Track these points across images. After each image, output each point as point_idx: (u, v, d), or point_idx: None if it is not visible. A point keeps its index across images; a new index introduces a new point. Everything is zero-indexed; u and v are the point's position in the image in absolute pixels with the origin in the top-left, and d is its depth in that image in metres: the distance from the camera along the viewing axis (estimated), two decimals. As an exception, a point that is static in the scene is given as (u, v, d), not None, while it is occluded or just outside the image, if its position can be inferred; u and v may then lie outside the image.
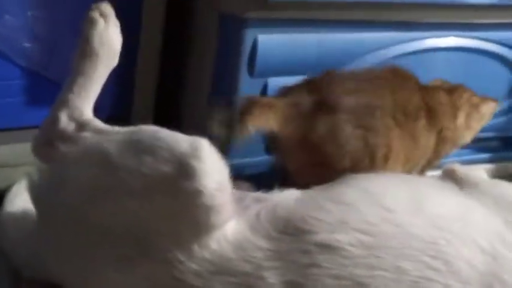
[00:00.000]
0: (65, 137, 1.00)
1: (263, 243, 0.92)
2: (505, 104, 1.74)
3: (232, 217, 0.94)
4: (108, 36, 1.05)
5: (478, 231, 0.97)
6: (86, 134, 0.99)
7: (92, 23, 1.04)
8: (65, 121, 1.02)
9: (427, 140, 1.23)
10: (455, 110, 1.30)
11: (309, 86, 1.15)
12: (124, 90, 1.41)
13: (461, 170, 1.17)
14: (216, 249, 0.92)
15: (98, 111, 1.06)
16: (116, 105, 1.41)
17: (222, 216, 0.92)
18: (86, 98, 1.03)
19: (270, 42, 1.30)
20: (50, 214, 0.96)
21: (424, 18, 1.50)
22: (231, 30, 1.30)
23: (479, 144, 1.71)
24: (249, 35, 1.28)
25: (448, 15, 1.53)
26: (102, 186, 0.91)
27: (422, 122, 1.21)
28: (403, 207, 0.98)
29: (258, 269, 0.91)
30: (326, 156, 1.10)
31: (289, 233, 0.93)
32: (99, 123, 1.02)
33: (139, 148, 0.91)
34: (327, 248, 0.91)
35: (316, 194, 1.00)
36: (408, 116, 1.18)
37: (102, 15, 1.05)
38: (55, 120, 1.02)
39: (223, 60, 1.31)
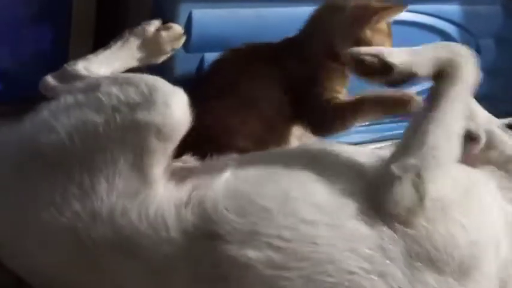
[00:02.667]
0: (76, 76, 1.10)
1: (178, 237, 0.91)
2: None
3: (171, 179, 0.97)
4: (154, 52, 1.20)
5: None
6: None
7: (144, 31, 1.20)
8: (81, 67, 1.12)
9: None
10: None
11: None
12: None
13: None
14: (133, 215, 0.92)
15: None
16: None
17: (162, 161, 0.95)
18: (104, 66, 1.15)
19: (205, 16, 1.29)
20: None
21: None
22: (165, 6, 1.29)
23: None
24: (183, 9, 1.27)
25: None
26: (83, 102, 0.99)
27: None
28: (326, 219, 0.92)
29: (165, 260, 0.90)
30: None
31: (206, 234, 0.91)
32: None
33: (127, 81, 1.01)
34: (237, 264, 0.89)
35: (243, 182, 0.97)
36: None
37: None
38: (72, 64, 1.13)
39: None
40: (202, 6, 1.28)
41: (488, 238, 0.94)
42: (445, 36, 1.71)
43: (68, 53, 1.39)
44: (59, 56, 1.33)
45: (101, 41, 1.39)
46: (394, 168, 0.93)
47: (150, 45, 1.20)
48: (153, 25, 1.21)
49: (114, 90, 0.98)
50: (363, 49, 1.04)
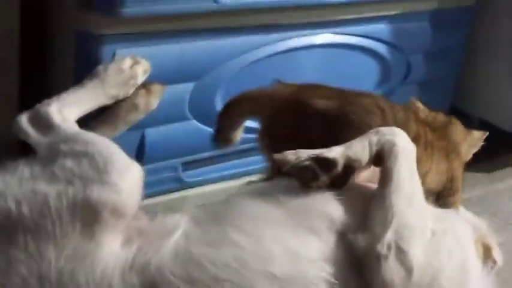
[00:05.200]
0: (47, 122, 1.10)
1: None
2: (377, 92, 1.80)
3: (119, 238, 0.95)
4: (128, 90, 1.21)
5: None
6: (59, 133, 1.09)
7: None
8: (54, 109, 1.12)
9: None
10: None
11: None
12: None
13: None
14: (81, 278, 0.90)
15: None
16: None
17: (114, 231, 0.94)
18: (78, 106, 1.15)
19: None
20: None
21: (287, 20, 1.53)
22: (89, 47, 1.29)
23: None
24: (107, 50, 1.28)
25: (311, 14, 1.57)
26: (37, 174, 0.98)
27: None
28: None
29: None
30: None
31: None
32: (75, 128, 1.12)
33: (84, 151, 1.00)
34: None
35: (195, 244, 0.93)
36: None
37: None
38: (46, 104, 1.13)
39: (83, 77, 1.30)
40: (126, 46, 1.29)
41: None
42: (376, 55, 1.75)
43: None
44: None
45: (26, 79, 1.41)
46: (380, 248, 0.92)
47: (124, 81, 1.21)
48: (128, 61, 1.22)
49: (70, 163, 0.98)
50: (305, 152, 1.02)
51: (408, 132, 1.07)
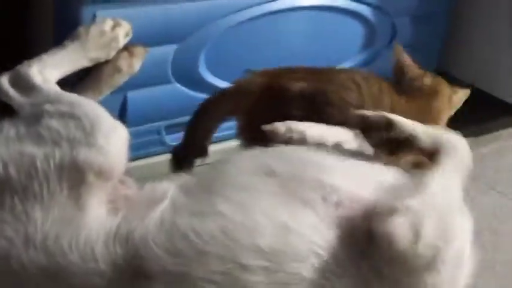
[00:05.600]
0: (28, 84, 1.09)
1: (107, 270, 0.88)
2: (362, 56, 1.81)
3: (105, 205, 0.94)
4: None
5: None
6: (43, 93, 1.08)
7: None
8: (35, 71, 1.11)
9: None
10: None
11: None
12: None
13: None
14: (65, 243, 0.89)
15: None
16: None
17: (100, 194, 0.93)
18: (58, 67, 1.14)
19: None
20: None
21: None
22: (69, 9, 1.27)
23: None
24: (87, 12, 1.26)
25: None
26: (23, 135, 0.98)
27: None
28: (270, 266, 0.86)
29: None
30: None
31: (136, 271, 0.87)
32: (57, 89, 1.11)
33: (70, 112, 0.99)
34: None
35: (181, 214, 0.90)
36: None
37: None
38: (27, 65, 1.12)
39: (63, 39, 1.27)
40: (106, 7, 1.27)
41: None
42: (361, 18, 1.73)
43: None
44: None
45: (5, 40, 1.38)
46: (399, 204, 0.87)
47: (106, 44, 1.19)
48: (108, 23, 1.20)
49: (56, 124, 0.97)
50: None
51: (382, 105, 1.08)
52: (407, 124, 0.99)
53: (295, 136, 1.03)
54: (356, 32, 1.76)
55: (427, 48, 1.90)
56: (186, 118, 1.53)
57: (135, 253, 0.88)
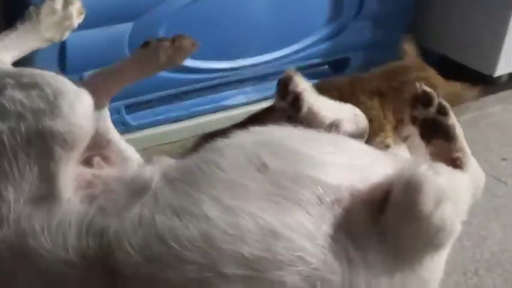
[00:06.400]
0: None
1: (76, 260, 0.85)
2: (328, 29, 1.77)
3: (79, 190, 0.92)
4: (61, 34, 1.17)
5: None
6: None
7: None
8: None
9: None
10: None
11: None
12: None
13: None
14: (37, 224, 0.87)
15: None
16: None
17: (69, 170, 0.91)
18: (11, 50, 1.12)
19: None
20: None
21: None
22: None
23: (308, 71, 1.74)
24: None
25: None
26: None
27: None
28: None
29: (61, 279, 0.85)
30: None
31: (107, 268, 0.84)
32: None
33: (32, 82, 0.96)
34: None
35: (161, 211, 0.86)
36: None
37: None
38: None
39: (14, 21, 1.21)
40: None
41: None
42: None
43: None
44: None
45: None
46: (428, 173, 0.86)
47: (59, 23, 1.16)
48: (59, 1, 1.16)
49: (19, 95, 0.94)
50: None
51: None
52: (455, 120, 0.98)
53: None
54: (321, 3, 1.71)
55: (395, 19, 1.86)
56: (146, 97, 1.52)
57: (109, 252, 0.84)
